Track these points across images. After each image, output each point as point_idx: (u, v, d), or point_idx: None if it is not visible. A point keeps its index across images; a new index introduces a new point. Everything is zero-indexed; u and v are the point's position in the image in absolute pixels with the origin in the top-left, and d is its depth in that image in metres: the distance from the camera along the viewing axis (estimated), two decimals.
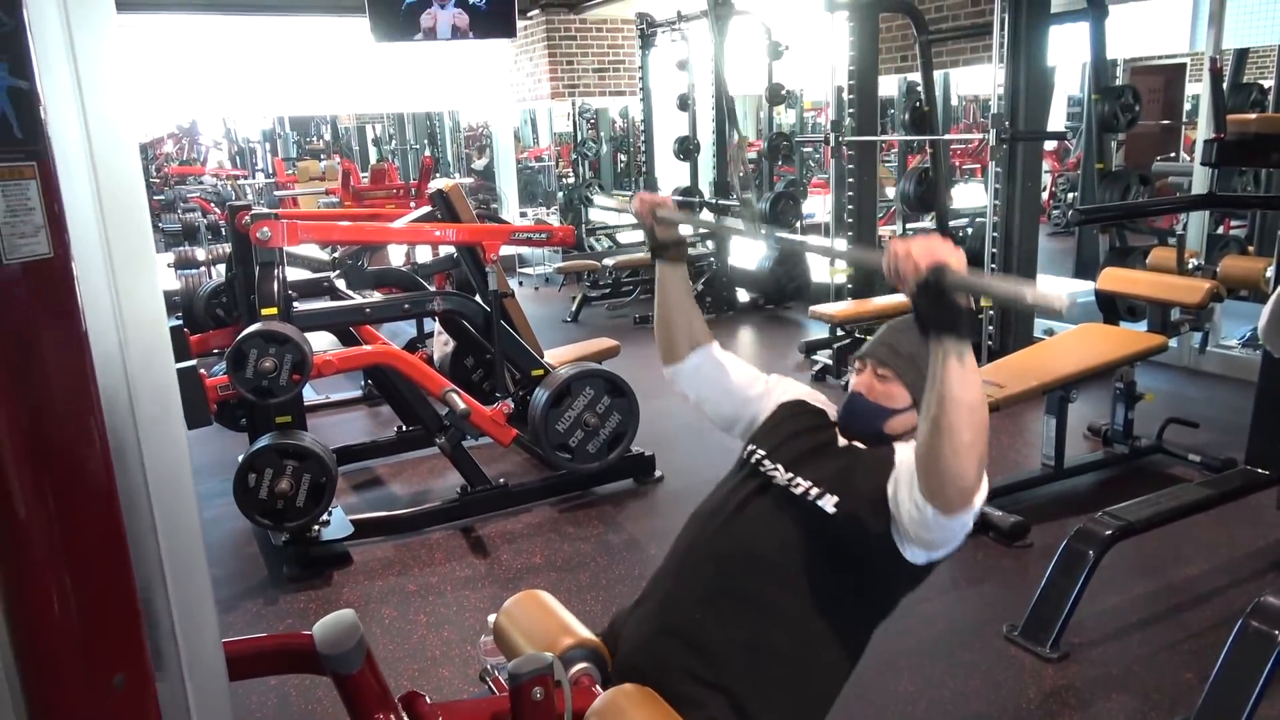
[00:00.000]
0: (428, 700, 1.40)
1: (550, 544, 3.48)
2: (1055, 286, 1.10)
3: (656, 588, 1.63)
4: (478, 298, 3.75)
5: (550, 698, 1.36)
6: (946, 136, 6.46)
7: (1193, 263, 3.92)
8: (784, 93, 7.25)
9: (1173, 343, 4.65)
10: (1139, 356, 3.65)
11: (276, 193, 9.69)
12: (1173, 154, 10.56)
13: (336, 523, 3.44)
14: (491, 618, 2.42)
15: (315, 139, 16.60)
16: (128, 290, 0.90)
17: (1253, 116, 3.08)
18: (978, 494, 1.31)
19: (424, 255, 6.45)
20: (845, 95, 6.18)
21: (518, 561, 3.35)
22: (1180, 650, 2.64)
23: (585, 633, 1.61)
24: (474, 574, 3.28)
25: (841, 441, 1.63)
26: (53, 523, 0.78)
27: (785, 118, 9.46)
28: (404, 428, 4.43)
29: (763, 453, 1.63)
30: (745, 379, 1.80)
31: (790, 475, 1.56)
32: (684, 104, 7.74)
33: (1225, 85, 5.60)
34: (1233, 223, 7.31)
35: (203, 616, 1.06)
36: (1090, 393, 4.42)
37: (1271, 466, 3.06)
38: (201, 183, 11.48)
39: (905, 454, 1.46)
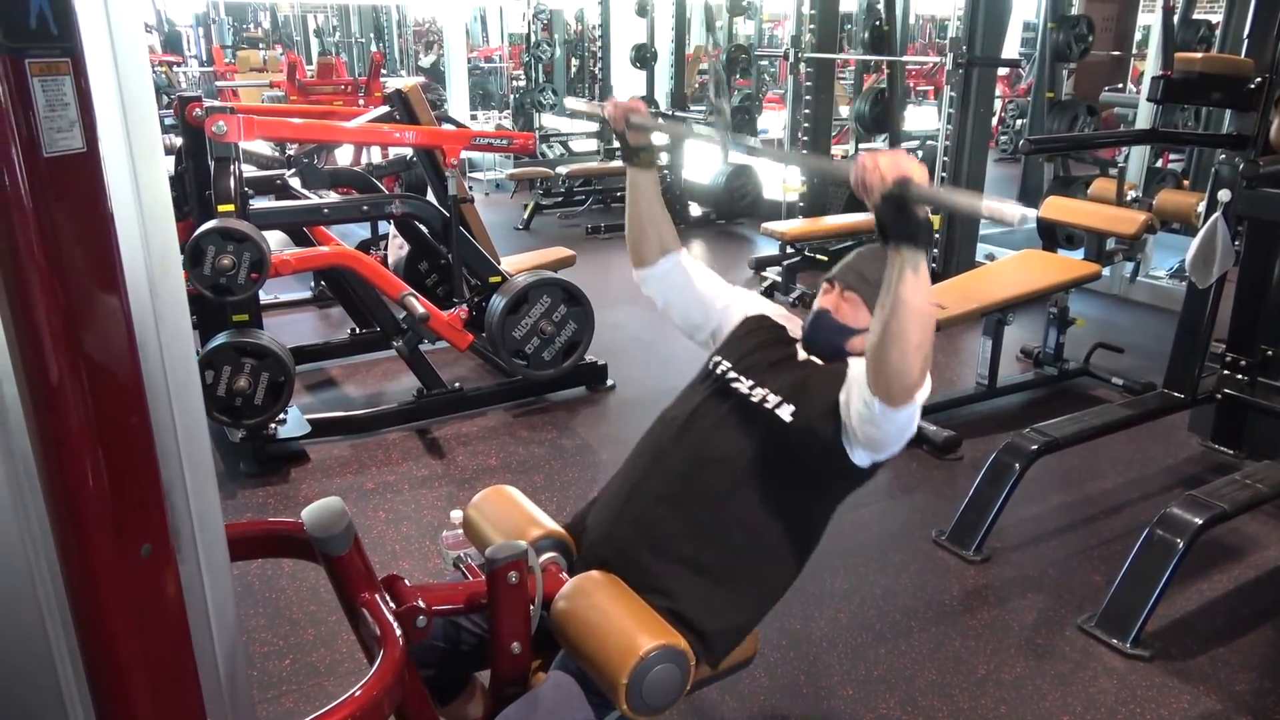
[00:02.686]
0: (406, 583, 1.49)
1: (505, 447, 3.58)
2: (1009, 202, 1.18)
3: (621, 484, 1.72)
4: (430, 197, 3.74)
5: (524, 582, 1.47)
6: (905, 58, 6.47)
7: (1131, 194, 4.07)
8: (745, 3, 7.17)
9: (1106, 271, 4.86)
10: (1074, 283, 3.83)
11: (216, 83, 9.31)
12: (1120, 85, 10.73)
13: (293, 421, 3.48)
14: (455, 513, 2.52)
15: (253, 26, 15.87)
16: (146, 182, 0.94)
17: (1199, 55, 3.18)
18: (920, 390, 1.41)
19: (373, 155, 6.34)
20: (805, 9, 6.15)
21: (473, 463, 3.45)
22: (1091, 555, 2.87)
23: (552, 524, 1.71)
24: (431, 474, 3.37)
25: (801, 355, 1.74)
26: (86, 397, 0.83)
27: (744, 29, 9.33)
28: (357, 330, 4.44)
29: (727, 364, 1.72)
30: (712, 289, 1.87)
31: (751, 384, 1.66)
32: (642, 10, 7.61)
33: (1175, 21, 5.71)
34: (1171, 156, 7.53)
35: (210, 498, 1.13)
36: (1026, 316, 4.62)
37: (1187, 391, 3.28)
38: None
39: (857, 366, 1.57)
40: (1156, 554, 2.46)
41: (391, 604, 1.40)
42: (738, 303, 1.88)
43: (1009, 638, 2.47)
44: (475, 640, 1.65)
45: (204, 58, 13.00)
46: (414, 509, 3.11)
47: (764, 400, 1.63)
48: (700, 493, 1.60)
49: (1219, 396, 3.35)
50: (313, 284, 5.32)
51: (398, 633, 1.32)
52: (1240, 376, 3.39)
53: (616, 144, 1.86)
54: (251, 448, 3.32)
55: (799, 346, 1.76)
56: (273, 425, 3.34)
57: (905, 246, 1.29)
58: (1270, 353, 3.36)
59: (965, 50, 4.90)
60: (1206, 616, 2.57)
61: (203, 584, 1.09)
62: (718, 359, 1.76)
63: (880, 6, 6.00)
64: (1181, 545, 2.42)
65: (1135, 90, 10.44)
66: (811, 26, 5.92)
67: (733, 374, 1.70)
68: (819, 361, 1.71)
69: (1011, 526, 2.98)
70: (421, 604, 1.43)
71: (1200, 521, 2.44)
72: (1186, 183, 6.04)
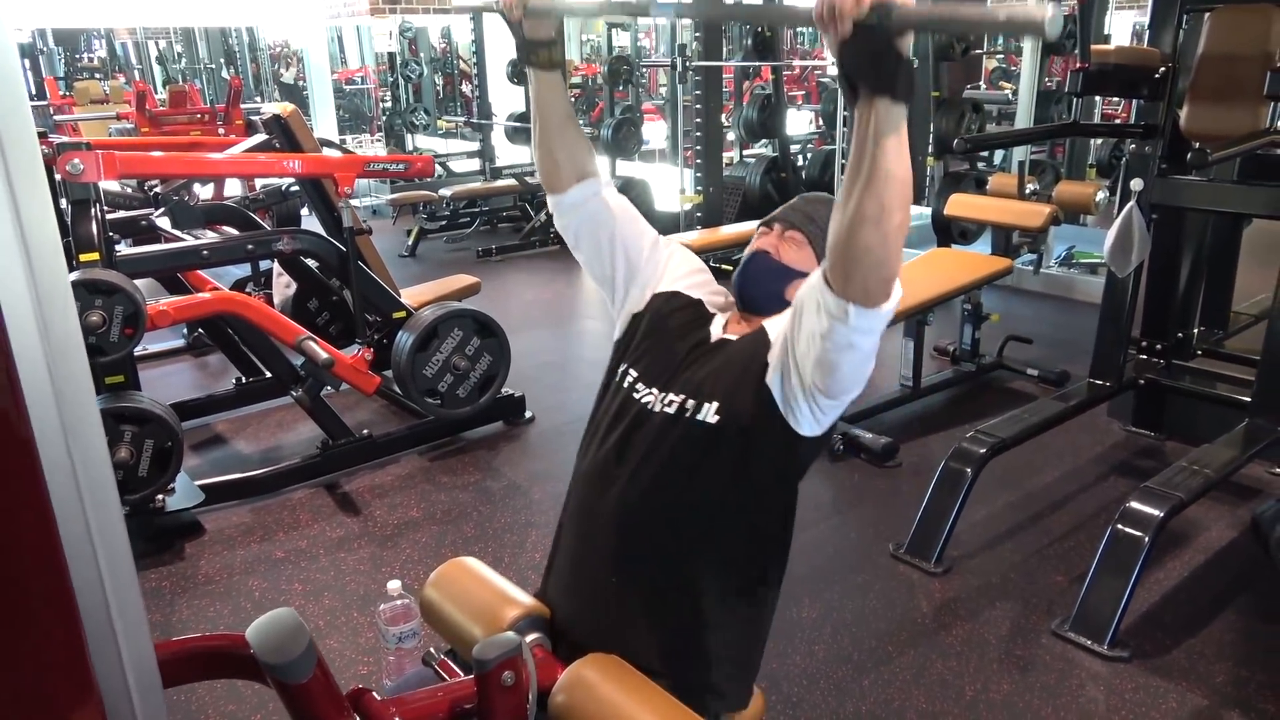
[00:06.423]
0: (376, 696, 1.25)
1: (426, 495, 3.30)
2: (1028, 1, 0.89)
3: (565, 557, 1.51)
4: (318, 230, 3.43)
5: (520, 681, 1.25)
6: (798, 61, 6.50)
7: (1030, 188, 4.13)
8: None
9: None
10: (990, 279, 3.84)
11: (55, 117, 8.56)
12: (975, 84, 11.17)
13: (183, 490, 3.10)
14: (392, 584, 2.26)
15: (87, 56, 14.79)
16: (29, 216, 0.69)
17: (1112, 48, 3.23)
18: (897, 283, 1.15)
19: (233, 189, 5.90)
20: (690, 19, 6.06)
21: (393, 517, 3.16)
22: (1048, 555, 2.83)
23: (526, 598, 1.50)
24: (347, 534, 3.06)
25: (714, 335, 1.48)
26: None
27: (619, 39, 9.22)
28: (243, 379, 4.06)
29: (634, 375, 1.47)
30: (630, 231, 1.57)
31: (664, 395, 1.41)
32: None
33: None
34: (1032, 150, 7.84)
35: (138, 622, 0.88)
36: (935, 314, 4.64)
37: (1113, 379, 3.31)
38: None
39: (776, 322, 1.36)
40: (1123, 551, 2.42)
41: None
42: (656, 256, 1.58)
43: (988, 652, 2.39)
44: None
45: (34, 91, 11.98)
46: (334, 576, 2.81)
47: (681, 408, 1.38)
48: (646, 547, 1.40)
49: (1142, 382, 3.40)
50: (185, 331, 4.87)
51: None
52: (1157, 361, 3.45)
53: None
54: (137, 525, 2.94)
55: (713, 323, 1.50)
56: (160, 497, 2.97)
57: (882, 99, 1.02)
58: (1182, 336, 3.44)
59: None
60: (1170, 608, 2.56)
61: None
62: (625, 367, 1.50)
63: None
64: (1147, 540, 2.38)
65: (985, 87, 10.90)
66: (698, 34, 5.84)
67: (641, 386, 1.45)
68: (732, 338, 1.45)
69: (964, 532, 2.92)
70: None
71: (1162, 514, 2.41)
72: (1061, 173, 6.26)
